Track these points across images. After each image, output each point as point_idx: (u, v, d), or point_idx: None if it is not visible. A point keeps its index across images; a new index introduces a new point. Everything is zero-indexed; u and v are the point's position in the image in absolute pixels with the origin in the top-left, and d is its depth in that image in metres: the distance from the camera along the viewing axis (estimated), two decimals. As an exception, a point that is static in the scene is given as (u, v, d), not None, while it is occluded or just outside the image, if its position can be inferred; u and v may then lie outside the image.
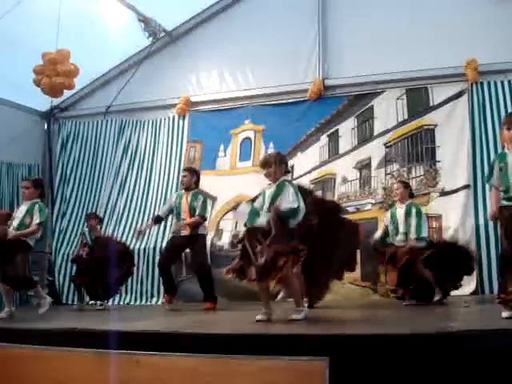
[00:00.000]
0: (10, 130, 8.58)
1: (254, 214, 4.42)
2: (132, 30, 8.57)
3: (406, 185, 6.40)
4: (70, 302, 8.34)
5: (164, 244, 8.01)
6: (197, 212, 6.51)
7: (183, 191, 6.78)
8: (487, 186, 6.98)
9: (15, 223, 5.48)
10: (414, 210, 6.05)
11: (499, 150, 7.01)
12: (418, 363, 2.98)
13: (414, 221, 5.97)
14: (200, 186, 6.87)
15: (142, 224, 8.43)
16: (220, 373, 3.17)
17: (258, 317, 4.32)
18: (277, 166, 4.51)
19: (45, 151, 9.45)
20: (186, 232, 6.54)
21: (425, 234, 6.00)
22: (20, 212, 5.55)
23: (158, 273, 6.93)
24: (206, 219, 6.67)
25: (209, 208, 6.78)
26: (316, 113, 8.18)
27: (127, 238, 8.43)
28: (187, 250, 6.92)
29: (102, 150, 9.18)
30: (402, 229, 6.06)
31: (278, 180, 4.50)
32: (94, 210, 8.76)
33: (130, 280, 8.16)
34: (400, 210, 6.15)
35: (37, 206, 5.53)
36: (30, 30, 7.42)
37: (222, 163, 8.55)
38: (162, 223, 8.09)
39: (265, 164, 4.57)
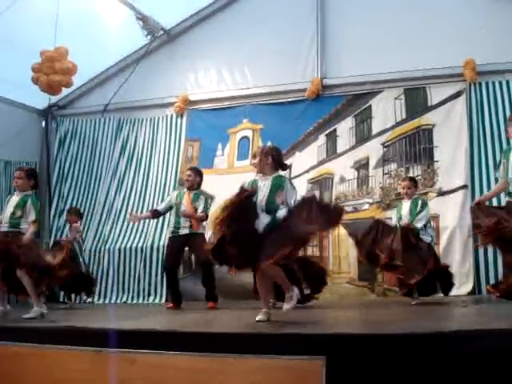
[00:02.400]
0: (8, 127, 8.56)
1: None
2: (130, 28, 8.55)
3: (416, 183, 6.41)
4: (67, 301, 8.32)
5: (161, 242, 8.03)
6: (200, 210, 6.54)
7: (185, 190, 6.82)
8: (485, 187, 7.03)
9: (6, 216, 5.26)
10: (420, 202, 6.07)
11: (497, 151, 7.06)
12: (415, 363, 2.98)
13: (416, 210, 5.96)
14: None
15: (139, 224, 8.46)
16: (216, 371, 3.17)
17: (258, 317, 4.23)
18: (261, 158, 4.51)
19: (42, 149, 9.44)
20: (185, 230, 6.55)
21: (419, 224, 5.92)
22: (11, 204, 5.33)
23: (166, 280, 6.87)
24: (207, 217, 6.65)
25: (211, 208, 6.81)
26: (314, 112, 8.18)
27: (124, 235, 8.44)
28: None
29: (100, 148, 9.16)
30: (406, 221, 6.03)
31: (273, 174, 4.50)
32: (91, 208, 8.78)
33: (127, 279, 8.19)
34: (405, 205, 6.13)
35: (29, 201, 5.30)
36: (27, 28, 7.41)
37: (219, 162, 8.54)
38: (160, 221, 8.11)
39: (253, 156, 4.68)
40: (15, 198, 5.38)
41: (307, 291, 5.90)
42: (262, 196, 4.37)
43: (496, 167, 4.54)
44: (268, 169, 4.51)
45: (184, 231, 6.57)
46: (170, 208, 6.81)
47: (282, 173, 4.60)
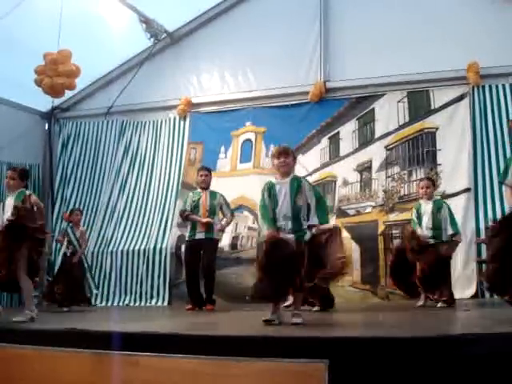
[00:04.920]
0: (11, 129, 8.58)
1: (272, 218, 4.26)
2: (133, 30, 8.58)
3: (434, 182, 6.40)
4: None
5: (163, 245, 8.03)
6: (228, 213, 6.83)
7: (199, 190, 6.91)
8: (488, 190, 7.02)
9: (8, 215, 5.02)
10: (445, 206, 6.08)
11: (500, 154, 7.05)
12: (419, 367, 2.96)
13: (448, 217, 5.98)
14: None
15: (142, 225, 8.46)
16: (219, 374, 3.16)
17: (294, 320, 4.16)
18: (292, 158, 4.41)
19: (45, 151, 9.45)
20: (200, 235, 6.61)
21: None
22: (9, 205, 5.11)
23: (187, 286, 6.75)
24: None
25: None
26: (317, 115, 8.19)
27: (127, 238, 8.43)
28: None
29: (103, 150, 9.17)
30: (428, 224, 6.00)
31: (291, 175, 4.38)
32: (94, 211, 8.78)
33: (129, 281, 8.18)
34: (426, 206, 6.09)
35: (28, 193, 5.18)
36: (31, 31, 7.43)
37: (222, 165, 8.55)
38: (163, 223, 8.15)
39: (284, 152, 4.37)
40: (11, 200, 5.16)
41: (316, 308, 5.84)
42: (281, 201, 4.26)
43: (505, 173, 4.52)
44: (291, 170, 4.43)
45: (199, 236, 6.62)
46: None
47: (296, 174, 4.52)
